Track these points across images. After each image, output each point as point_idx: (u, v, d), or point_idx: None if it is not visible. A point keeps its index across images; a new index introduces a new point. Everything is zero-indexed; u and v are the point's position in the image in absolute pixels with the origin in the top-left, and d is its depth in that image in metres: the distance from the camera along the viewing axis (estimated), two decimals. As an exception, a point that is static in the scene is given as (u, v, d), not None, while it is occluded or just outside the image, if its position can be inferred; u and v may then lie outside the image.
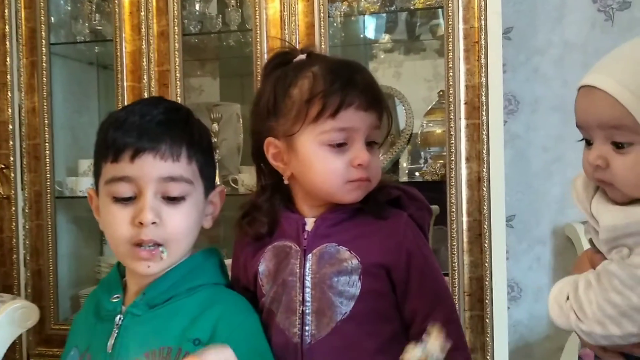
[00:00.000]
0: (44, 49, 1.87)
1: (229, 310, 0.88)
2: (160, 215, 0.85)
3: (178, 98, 1.79)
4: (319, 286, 0.88)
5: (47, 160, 1.88)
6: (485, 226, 1.61)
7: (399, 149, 1.97)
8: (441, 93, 1.87)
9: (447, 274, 1.71)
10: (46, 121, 1.87)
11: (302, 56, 0.92)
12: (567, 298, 0.73)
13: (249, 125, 0.97)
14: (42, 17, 1.87)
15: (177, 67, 1.79)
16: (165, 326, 0.86)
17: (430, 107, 1.95)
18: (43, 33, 1.87)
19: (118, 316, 0.88)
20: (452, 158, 1.63)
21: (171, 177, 0.86)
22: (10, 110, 1.89)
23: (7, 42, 1.88)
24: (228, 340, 0.79)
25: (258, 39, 1.73)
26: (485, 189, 1.61)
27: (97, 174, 0.90)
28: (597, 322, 0.69)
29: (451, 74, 1.62)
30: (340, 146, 0.86)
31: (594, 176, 0.73)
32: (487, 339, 1.62)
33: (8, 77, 1.88)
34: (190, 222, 0.89)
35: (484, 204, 1.61)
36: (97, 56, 2.16)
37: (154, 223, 0.84)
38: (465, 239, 1.63)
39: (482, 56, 1.60)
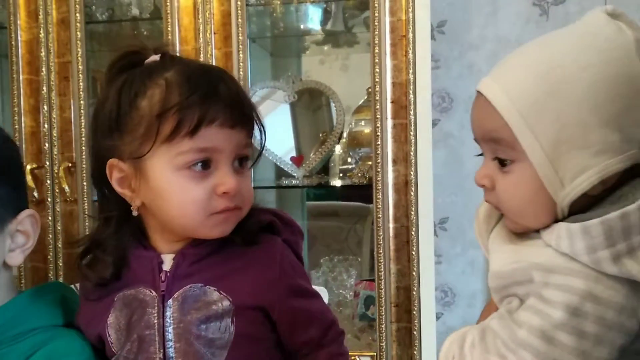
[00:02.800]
0: None
1: (54, 354, 0.74)
2: None
3: (81, 93, 1.63)
4: (184, 337, 0.74)
5: None
6: (413, 232, 1.51)
7: (329, 149, 1.85)
8: (369, 90, 1.76)
9: (372, 280, 1.62)
10: None
11: (155, 57, 0.76)
12: (453, 357, 0.62)
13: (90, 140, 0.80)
14: None
15: (79, 57, 1.61)
16: None
17: (358, 105, 1.84)
18: None
19: None
20: (379, 160, 1.52)
21: None
22: None
23: None
24: None
25: (169, 29, 1.58)
26: (413, 193, 1.51)
27: None
28: None
29: (377, 70, 1.51)
30: (202, 170, 0.71)
31: (484, 198, 0.64)
32: (415, 352, 1.53)
33: None
34: None
35: (411, 209, 1.51)
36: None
37: None
38: (392, 246, 1.53)
39: (410, 51, 1.49)
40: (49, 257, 1.67)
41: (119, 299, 0.77)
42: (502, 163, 0.60)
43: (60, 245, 1.66)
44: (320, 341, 0.79)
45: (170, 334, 0.74)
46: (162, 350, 0.74)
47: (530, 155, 0.57)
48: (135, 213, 0.76)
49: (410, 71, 1.49)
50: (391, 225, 1.53)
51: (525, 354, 0.55)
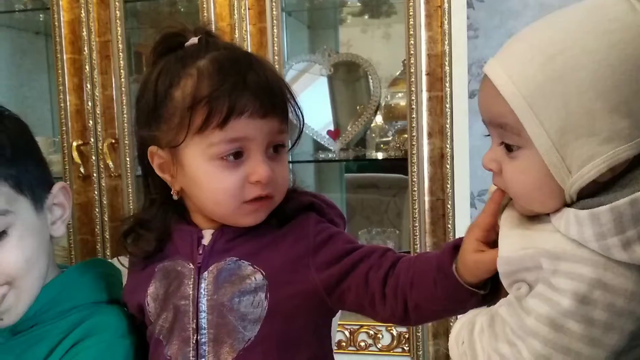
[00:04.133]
0: (-23, 18, 1.74)
1: (102, 340, 0.76)
2: None
3: (122, 70, 1.67)
4: (217, 310, 0.75)
5: (-13, 139, 1.76)
6: (449, 206, 1.51)
7: (365, 121, 1.85)
8: (405, 62, 1.74)
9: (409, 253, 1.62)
10: (-17, 97, 1.75)
11: (194, 40, 0.76)
12: (462, 342, 0.62)
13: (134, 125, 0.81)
14: (-27, -16, 1.73)
15: (119, 36, 1.65)
16: (27, 355, 0.75)
17: (394, 77, 1.82)
18: (-25, 1, 1.73)
19: None
20: (414, 133, 1.51)
21: None
22: (-56, 86, 1.77)
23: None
24: None
25: (205, 5, 1.59)
26: (448, 166, 1.50)
27: None
28: None
29: (412, 42, 1.49)
30: (234, 160, 0.72)
31: (492, 181, 0.63)
32: (451, 323, 1.54)
33: (-60, 50, 1.75)
34: (26, 252, 0.74)
35: (447, 182, 1.51)
36: (44, 25, 2.02)
37: None
38: (427, 220, 1.53)
39: (446, 22, 1.47)
40: (96, 230, 1.74)
41: (159, 269, 0.79)
42: (509, 148, 0.59)
43: (106, 219, 1.73)
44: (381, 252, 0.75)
45: (203, 305, 0.75)
46: (195, 321, 0.75)
47: (536, 143, 0.55)
48: (175, 197, 0.78)
49: (446, 42, 1.46)
50: (427, 198, 1.52)
51: (534, 341, 0.55)
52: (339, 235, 0.78)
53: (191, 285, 0.76)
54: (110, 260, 0.91)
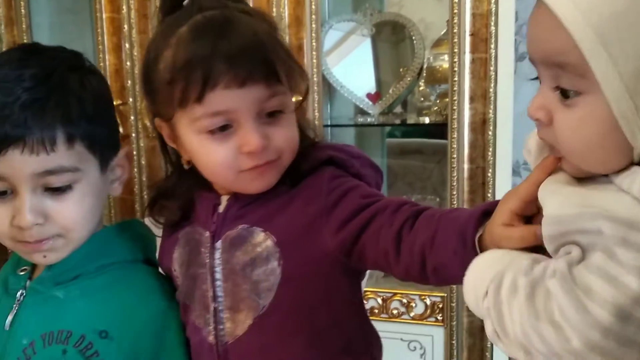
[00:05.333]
0: (20, -24, 1.75)
1: (138, 298, 0.78)
2: (45, 212, 0.73)
3: (159, 30, 1.65)
4: (231, 278, 0.74)
5: (31, 97, 1.79)
6: (489, 174, 1.44)
7: (407, 84, 1.78)
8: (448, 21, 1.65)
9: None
10: (27, 56, 1.77)
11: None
12: (487, 294, 0.52)
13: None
14: (17, -59, 1.73)
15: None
16: (68, 307, 0.76)
17: (437, 38, 1.74)
18: (18, -41, 1.74)
19: (20, 291, 0.79)
20: (455, 97, 1.45)
21: (48, 171, 0.72)
22: (-10, 44, 1.80)
23: (-18, -29, 1.76)
24: (138, 335, 0.73)
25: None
26: (490, 133, 1.43)
27: None
28: (521, 349, 0.50)
29: (456, 0, 1.41)
30: (222, 132, 0.69)
31: (537, 134, 0.54)
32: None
33: (-15, 8, 1.78)
34: (85, 208, 0.76)
35: (488, 149, 1.44)
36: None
37: (37, 224, 0.72)
38: (466, 188, 1.47)
39: (493, -22, 1.38)
40: (134, 189, 1.76)
41: (182, 235, 0.79)
42: (565, 94, 0.49)
43: (144, 179, 1.75)
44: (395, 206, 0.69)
45: (218, 273, 0.74)
46: (212, 289, 0.75)
47: (605, 87, 0.46)
48: (186, 166, 0.77)
49: (492, 0, 1.38)
50: (466, 166, 1.46)
51: (592, 332, 0.45)
52: (355, 189, 0.72)
53: (207, 254, 0.75)
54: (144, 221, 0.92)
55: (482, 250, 0.58)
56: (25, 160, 0.70)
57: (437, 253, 0.62)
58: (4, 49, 1.78)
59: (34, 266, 0.82)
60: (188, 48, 0.67)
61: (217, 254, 0.75)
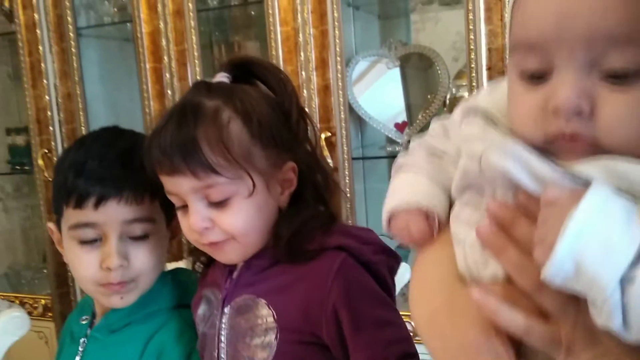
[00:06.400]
0: (71, 34, 1.91)
1: (172, 340, 0.87)
2: (127, 256, 0.86)
3: (198, 77, 1.78)
4: (233, 343, 0.78)
5: (85, 143, 1.94)
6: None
7: (433, 114, 1.85)
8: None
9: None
10: (80, 106, 1.93)
11: None
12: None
13: None
14: (67, 3, 1.89)
15: (194, 45, 1.76)
16: (122, 352, 0.87)
17: (459, 70, 1.81)
18: (69, 19, 1.90)
19: (82, 339, 0.91)
20: (476, 128, 1.51)
21: (135, 219, 0.86)
22: (47, 96, 1.96)
23: (38, 30, 1.93)
24: None
25: (270, 11, 1.66)
26: (512, 161, 1.49)
27: (58, 213, 0.90)
28: None
29: (472, 36, 1.48)
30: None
31: (561, 130, 0.45)
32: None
33: (42, 64, 1.95)
34: (156, 257, 0.89)
35: (511, 177, 1.49)
36: (131, 32, 2.17)
37: (122, 266, 0.85)
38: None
39: (506, 15, 1.44)
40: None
41: (204, 294, 0.86)
42: (619, 76, 0.42)
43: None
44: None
45: (223, 337, 0.79)
46: (217, 350, 0.80)
47: None
48: None
49: (507, 36, 1.44)
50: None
51: None
52: (353, 316, 0.73)
53: (218, 316, 0.81)
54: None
55: None
56: (119, 210, 0.84)
57: None
58: (60, 100, 1.95)
59: (93, 316, 0.94)
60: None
61: (225, 319, 0.80)
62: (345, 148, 1.65)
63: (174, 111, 0.78)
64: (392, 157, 1.92)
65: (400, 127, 1.88)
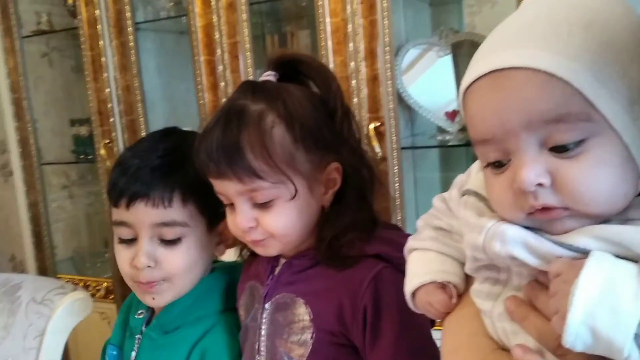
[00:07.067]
0: (130, 28, 1.98)
1: (214, 344, 0.90)
2: (155, 257, 0.88)
3: (249, 69, 1.82)
4: (271, 339, 0.81)
5: (143, 134, 2.02)
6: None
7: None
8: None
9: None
10: (138, 97, 2.01)
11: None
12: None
13: None
14: (126, -1, 1.97)
15: (245, 38, 1.80)
16: (171, 355, 0.90)
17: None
18: (128, 14, 1.97)
19: (138, 336, 0.95)
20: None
21: (164, 222, 0.87)
22: (108, 89, 2.05)
23: (99, 25, 2.02)
24: None
25: (320, 3, 1.68)
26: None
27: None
28: None
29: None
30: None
31: (531, 205, 0.50)
32: None
33: (103, 58, 2.03)
34: (189, 260, 0.90)
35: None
36: (187, 26, 2.23)
37: (149, 267, 0.87)
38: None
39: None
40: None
41: (248, 286, 0.90)
42: (562, 149, 0.48)
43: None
44: None
45: (263, 330, 0.82)
46: (258, 343, 0.83)
47: (613, 120, 0.47)
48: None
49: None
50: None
51: None
52: (385, 329, 0.75)
53: (260, 311, 0.84)
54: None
55: None
56: (148, 212, 0.86)
57: None
58: (120, 93, 2.03)
59: (149, 312, 0.97)
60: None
61: (265, 314, 0.83)
62: (394, 138, 1.65)
63: (220, 114, 0.80)
64: (443, 146, 1.92)
65: (451, 115, 1.86)
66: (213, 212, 0.91)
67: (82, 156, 2.30)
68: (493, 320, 0.58)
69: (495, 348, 0.58)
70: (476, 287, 0.61)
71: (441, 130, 1.88)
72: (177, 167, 0.88)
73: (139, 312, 0.97)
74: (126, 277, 0.92)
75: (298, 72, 0.86)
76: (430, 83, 1.94)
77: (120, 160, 0.91)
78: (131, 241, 0.89)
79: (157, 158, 0.88)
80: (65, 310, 1.10)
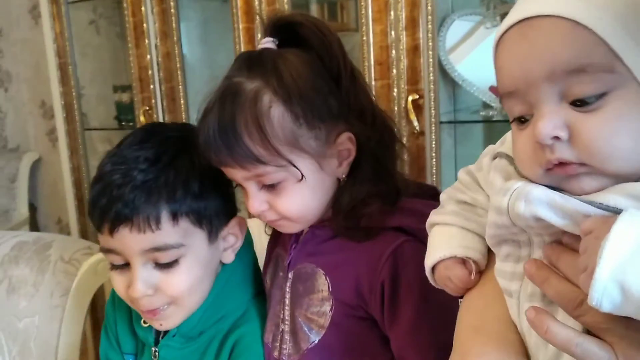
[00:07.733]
0: (171, -5, 1.97)
1: (247, 333, 0.86)
2: (153, 284, 0.79)
3: (288, 37, 1.78)
4: (293, 307, 0.81)
5: (182, 102, 2.02)
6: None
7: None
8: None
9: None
10: (178, 65, 2.00)
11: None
12: None
13: None
14: (169, -35, 1.95)
15: (285, 5, 1.76)
16: (202, 355, 0.86)
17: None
18: (169, -20, 1.96)
19: (153, 349, 0.88)
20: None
21: (155, 248, 0.78)
22: (149, 56, 2.05)
23: (141, -9, 2.02)
24: None
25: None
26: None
27: None
28: None
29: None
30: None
31: (548, 159, 0.49)
32: None
33: (144, 25, 2.03)
34: (192, 280, 0.81)
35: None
36: (230, -7, 2.21)
37: (147, 295, 0.79)
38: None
39: None
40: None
41: (274, 255, 0.88)
42: (582, 103, 0.47)
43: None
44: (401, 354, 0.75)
45: (287, 299, 0.81)
46: (282, 312, 0.82)
47: (638, 72, 0.45)
48: None
49: None
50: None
51: None
52: (404, 304, 0.74)
53: (284, 279, 0.83)
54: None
55: None
56: (134, 238, 0.76)
57: None
58: (160, 60, 2.03)
59: None
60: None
61: (288, 283, 0.82)
62: (433, 111, 1.59)
63: (216, 96, 0.75)
64: (487, 121, 1.85)
65: (496, 90, 1.78)
66: (213, 219, 0.83)
67: (123, 123, 2.33)
68: (521, 301, 0.55)
69: (519, 352, 0.56)
70: (499, 266, 0.59)
71: (485, 106, 1.80)
72: (162, 180, 0.78)
73: (145, 320, 0.88)
74: (127, 302, 0.84)
75: (298, 34, 0.80)
76: (475, 56, 1.86)
77: (100, 174, 0.80)
78: (125, 266, 0.81)
79: (139, 172, 0.77)
80: (90, 270, 1.11)
